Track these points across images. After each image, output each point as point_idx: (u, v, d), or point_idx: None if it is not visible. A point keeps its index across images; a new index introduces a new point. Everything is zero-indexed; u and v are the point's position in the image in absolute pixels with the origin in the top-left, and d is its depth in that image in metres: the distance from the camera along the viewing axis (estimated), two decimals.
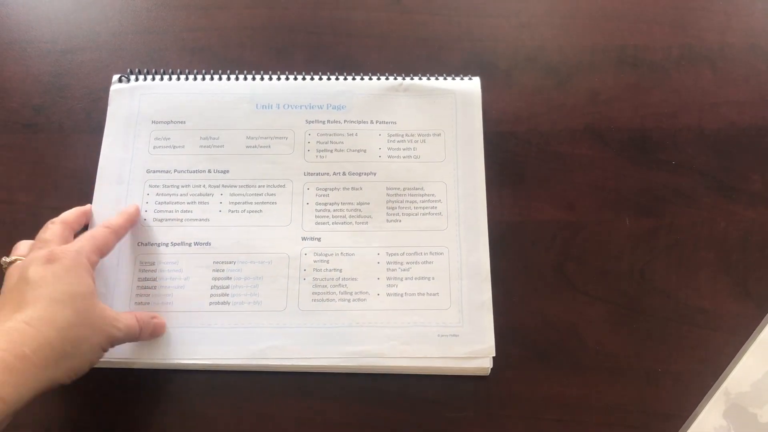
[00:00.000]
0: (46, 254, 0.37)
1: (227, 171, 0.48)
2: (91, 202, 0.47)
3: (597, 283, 0.46)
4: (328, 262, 0.46)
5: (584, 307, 0.45)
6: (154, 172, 0.48)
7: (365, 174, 0.48)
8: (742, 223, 0.48)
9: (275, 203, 0.47)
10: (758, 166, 0.49)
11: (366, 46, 0.54)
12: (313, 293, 0.45)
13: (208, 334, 0.44)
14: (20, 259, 0.39)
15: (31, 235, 0.40)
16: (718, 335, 0.44)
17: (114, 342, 0.39)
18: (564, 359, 0.44)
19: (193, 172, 0.48)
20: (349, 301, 0.45)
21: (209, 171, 0.48)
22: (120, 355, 0.42)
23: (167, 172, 0.48)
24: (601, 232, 0.47)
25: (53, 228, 0.41)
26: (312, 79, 0.51)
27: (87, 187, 0.48)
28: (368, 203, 0.47)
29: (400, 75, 0.51)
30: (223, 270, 0.45)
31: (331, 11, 0.55)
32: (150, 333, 0.42)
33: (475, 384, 0.43)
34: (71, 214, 0.44)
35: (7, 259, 0.40)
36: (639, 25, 0.54)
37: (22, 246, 0.41)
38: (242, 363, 0.43)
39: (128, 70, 0.51)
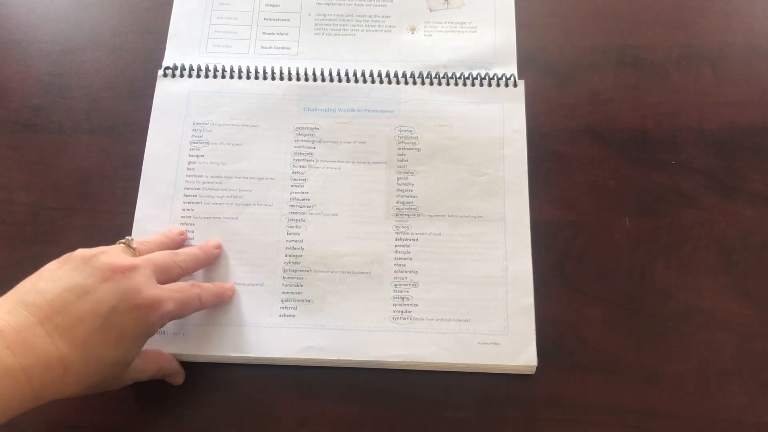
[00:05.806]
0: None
1: None
2: (90, 202, 0.47)
3: (597, 283, 0.46)
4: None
5: (584, 307, 0.45)
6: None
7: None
8: (742, 223, 0.48)
9: None
10: (758, 166, 0.49)
11: None
12: None
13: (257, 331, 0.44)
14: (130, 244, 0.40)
15: (30, 235, 0.40)
16: (718, 335, 0.44)
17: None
18: (564, 359, 0.44)
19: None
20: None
21: None
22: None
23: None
24: (601, 232, 0.47)
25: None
26: (357, 82, 0.51)
27: (87, 187, 0.48)
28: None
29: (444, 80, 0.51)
30: None
31: None
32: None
33: (474, 384, 0.43)
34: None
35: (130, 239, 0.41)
36: (639, 25, 0.54)
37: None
38: (286, 357, 0.43)
39: (173, 64, 0.51)
